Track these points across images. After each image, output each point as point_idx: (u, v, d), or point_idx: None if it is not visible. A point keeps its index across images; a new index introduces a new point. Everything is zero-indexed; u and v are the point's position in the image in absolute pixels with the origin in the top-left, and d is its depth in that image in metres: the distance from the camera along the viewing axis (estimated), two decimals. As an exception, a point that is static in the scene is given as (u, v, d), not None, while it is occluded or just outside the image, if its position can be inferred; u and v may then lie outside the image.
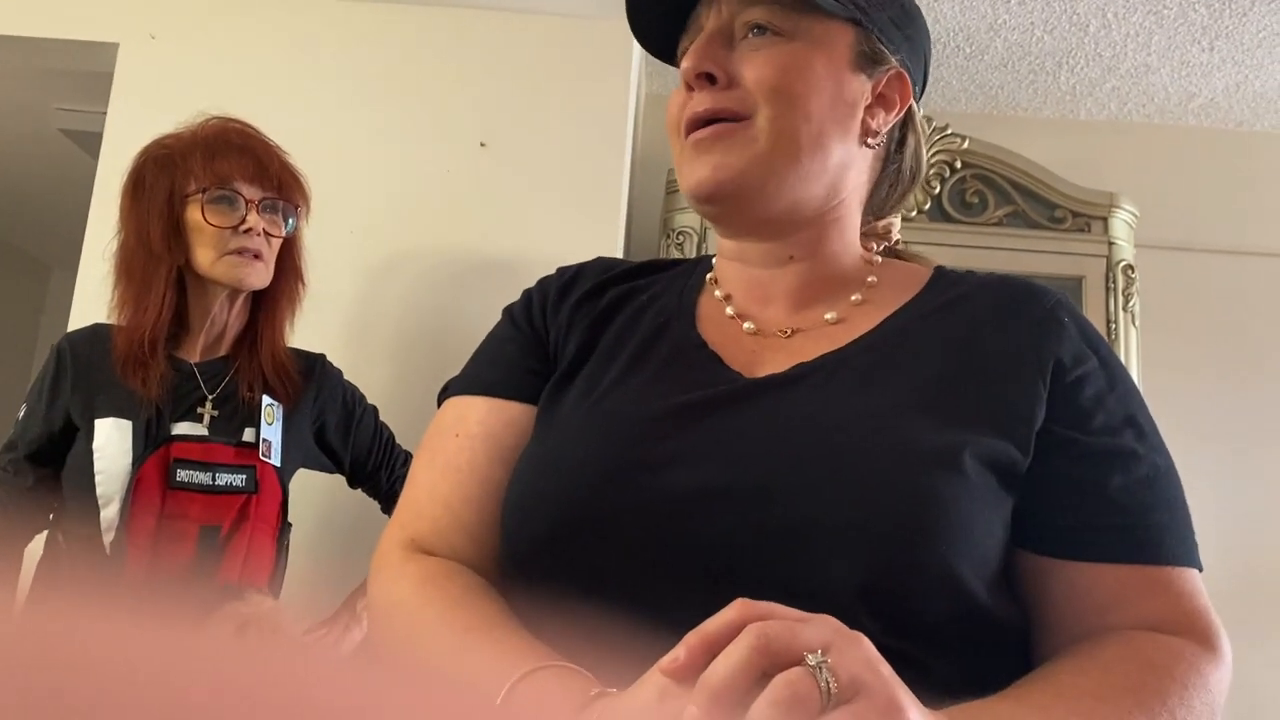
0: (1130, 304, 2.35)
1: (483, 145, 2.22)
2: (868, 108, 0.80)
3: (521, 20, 2.25)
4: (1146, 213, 2.50)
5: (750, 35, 0.77)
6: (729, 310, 0.81)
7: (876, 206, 0.87)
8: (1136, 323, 2.37)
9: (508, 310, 0.89)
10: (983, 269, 0.86)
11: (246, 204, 1.47)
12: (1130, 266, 2.38)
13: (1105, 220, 2.41)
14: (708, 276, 0.86)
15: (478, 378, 0.83)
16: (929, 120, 2.44)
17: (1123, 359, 2.28)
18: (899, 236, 0.91)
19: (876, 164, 0.84)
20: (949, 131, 2.43)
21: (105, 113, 2.21)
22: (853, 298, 0.80)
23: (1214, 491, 2.57)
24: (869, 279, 0.81)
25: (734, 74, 0.76)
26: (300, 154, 1.60)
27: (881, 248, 0.87)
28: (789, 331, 0.78)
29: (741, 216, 0.79)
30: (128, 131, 1.87)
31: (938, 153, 2.42)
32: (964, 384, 0.71)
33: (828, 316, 0.79)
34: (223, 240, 1.45)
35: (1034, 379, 0.71)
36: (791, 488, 0.64)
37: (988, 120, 2.85)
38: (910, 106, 0.84)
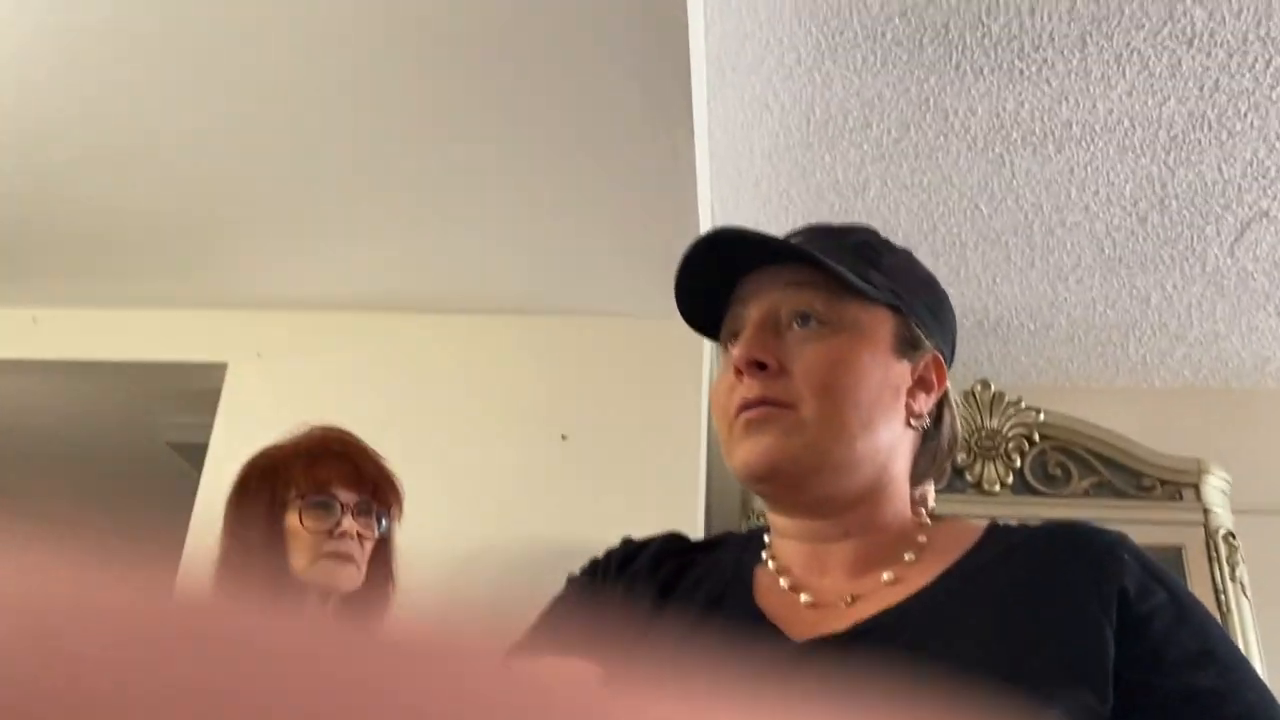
0: (1237, 573, 2.25)
1: (564, 438, 2.29)
2: (909, 390, 0.82)
3: (599, 322, 2.39)
4: (1239, 477, 2.44)
5: (795, 325, 0.80)
6: (783, 583, 0.81)
7: (915, 477, 0.88)
8: (1248, 593, 2.25)
9: (569, 578, 0.90)
10: (1074, 543, 0.84)
11: (342, 508, 1.52)
12: (1231, 534, 2.30)
13: (1196, 487, 2.36)
14: (763, 553, 0.86)
15: (533, 643, 0.81)
16: (1001, 396, 2.47)
17: (1237, 633, 2.15)
18: (934, 504, 0.91)
19: (917, 440, 0.86)
20: (1023, 406, 2.45)
21: (211, 425, 2.35)
22: (906, 557, 0.79)
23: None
24: (920, 538, 0.81)
25: (784, 361, 0.79)
26: (393, 456, 1.67)
27: (924, 515, 0.87)
28: (850, 599, 0.77)
29: (794, 496, 0.80)
30: (232, 444, 1.98)
31: (1014, 427, 2.43)
32: (1030, 634, 0.68)
33: (885, 578, 0.78)
34: (318, 544, 1.49)
35: (1099, 617, 0.68)
36: None
37: (1061, 392, 2.87)
38: (946, 386, 0.87)
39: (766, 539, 0.88)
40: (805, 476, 0.78)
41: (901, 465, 0.83)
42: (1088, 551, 0.73)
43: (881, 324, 0.82)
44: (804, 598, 0.79)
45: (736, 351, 0.80)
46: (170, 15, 1.56)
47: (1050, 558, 0.74)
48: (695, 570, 0.85)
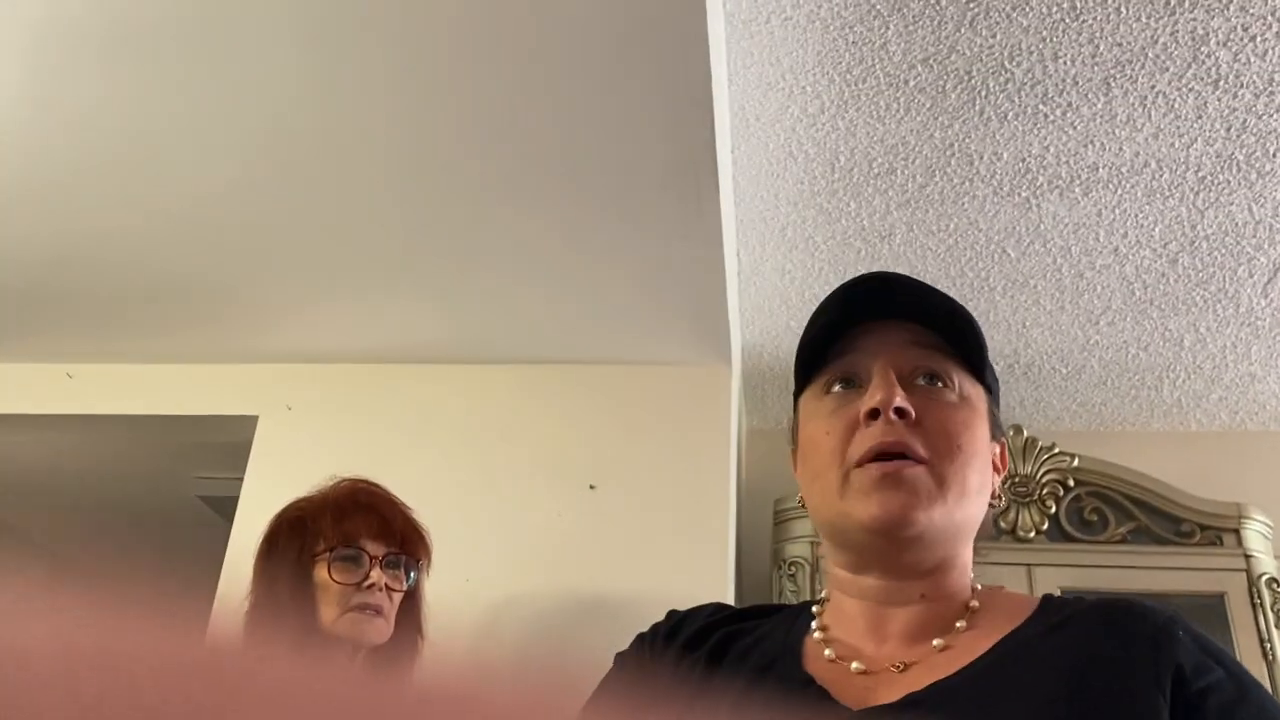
0: (1282, 620, 2.20)
1: (592, 488, 2.28)
2: (991, 468, 0.85)
3: (626, 371, 2.39)
4: (1280, 522, 2.39)
5: (922, 381, 0.82)
6: (828, 653, 0.80)
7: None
8: (1293, 640, 2.20)
9: (618, 655, 0.89)
10: (1112, 589, 0.85)
11: (370, 560, 1.52)
12: (1275, 580, 2.25)
13: (1237, 532, 2.31)
14: (813, 624, 0.85)
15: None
16: (1035, 441, 2.44)
17: (1285, 682, 2.09)
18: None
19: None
20: (1056, 451, 2.42)
21: (241, 478, 2.36)
22: (958, 624, 0.79)
23: None
24: (971, 604, 0.81)
25: (918, 414, 0.79)
26: (421, 507, 1.67)
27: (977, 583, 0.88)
28: (902, 666, 0.77)
29: (904, 555, 0.79)
30: (262, 496, 1.99)
31: (1048, 473, 2.40)
32: (1083, 708, 0.67)
33: (935, 643, 0.78)
34: (346, 597, 1.49)
35: (1153, 694, 0.67)
36: None
37: (1095, 437, 2.84)
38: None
39: (815, 609, 0.87)
40: (928, 537, 0.78)
41: (972, 540, 0.85)
42: (1143, 627, 0.72)
43: (983, 402, 0.84)
44: (855, 665, 0.79)
45: (879, 396, 0.79)
46: (202, 69, 1.59)
47: (1104, 633, 0.73)
48: (745, 639, 0.84)
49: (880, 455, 0.78)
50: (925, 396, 0.81)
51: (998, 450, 0.87)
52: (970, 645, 0.76)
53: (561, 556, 2.21)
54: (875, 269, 1.90)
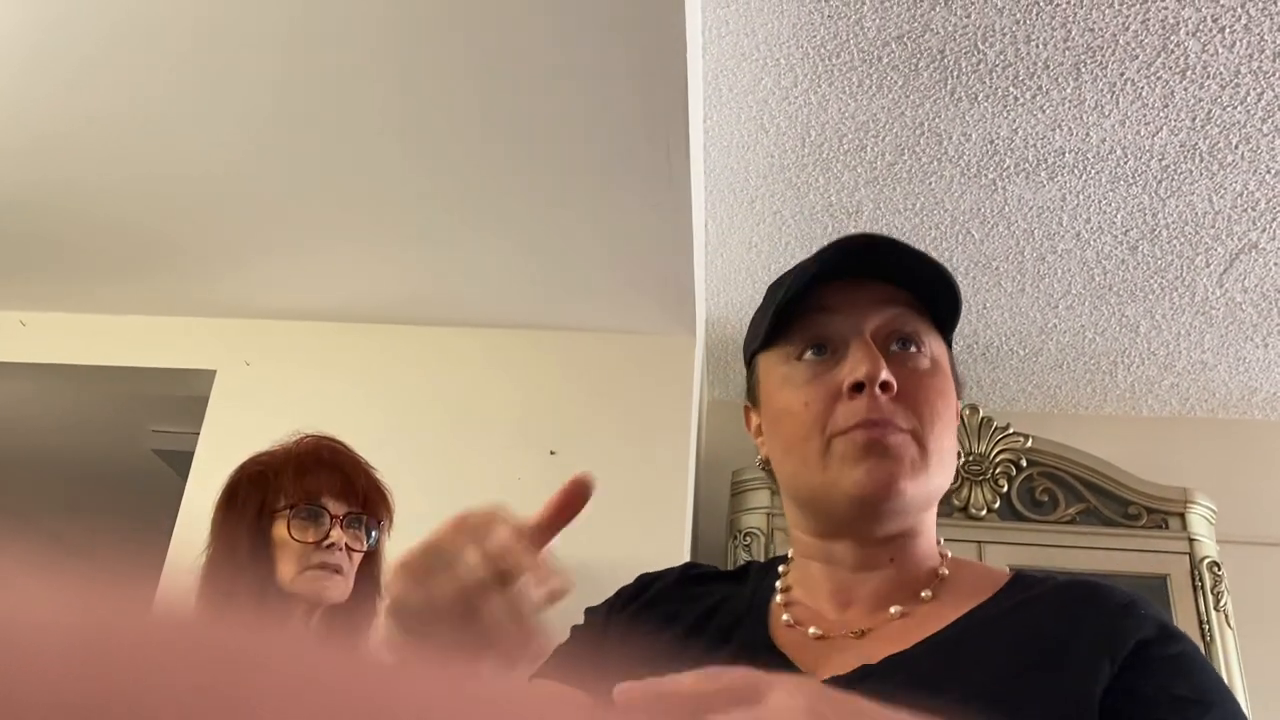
0: (1222, 603, 2.25)
1: (552, 453, 2.28)
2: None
3: (590, 338, 2.39)
4: (1224, 507, 2.45)
5: (895, 346, 0.80)
6: (785, 618, 0.81)
7: None
8: (1231, 622, 2.26)
9: (573, 627, 0.89)
10: (1060, 567, 0.85)
11: (331, 519, 1.51)
12: (1216, 563, 2.31)
13: (1183, 516, 2.36)
14: (778, 583, 0.86)
15: (539, 676, 0.81)
16: (990, 421, 2.48)
17: (1221, 662, 2.15)
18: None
19: None
20: (1011, 431, 2.46)
21: (197, 433, 2.34)
22: (923, 594, 0.79)
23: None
24: (941, 571, 0.81)
25: (900, 385, 0.77)
26: (380, 468, 1.66)
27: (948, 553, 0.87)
28: (860, 632, 0.77)
29: (884, 524, 0.79)
30: (218, 452, 1.97)
31: (1002, 452, 2.43)
32: (1031, 681, 0.68)
33: (892, 610, 0.78)
34: (305, 555, 1.48)
35: (1101, 663, 0.68)
36: None
37: (1049, 419, 2.88)
38: None
39: (781, 569, 0.87)
40: (911, 507, 0.78)
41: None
42: (1104, 608, 0.72)
43: (947, 361, 0.83)
44: (812, 630, 0.78)
45: (865, 369, 0.77)
46: (170, 32, 1.56)
47: (1064, 614, 0.73)
48: (710, 600, 0.84)
49: (871, 425, 0.77)
50: (901, 364, 0.79)
51: (959, 405, 0.87)
52: (932, 617, 0.76)
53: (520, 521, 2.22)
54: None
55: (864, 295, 0.81)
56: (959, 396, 0.85)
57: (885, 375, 0.77)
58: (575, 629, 0.88)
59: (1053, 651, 0.70)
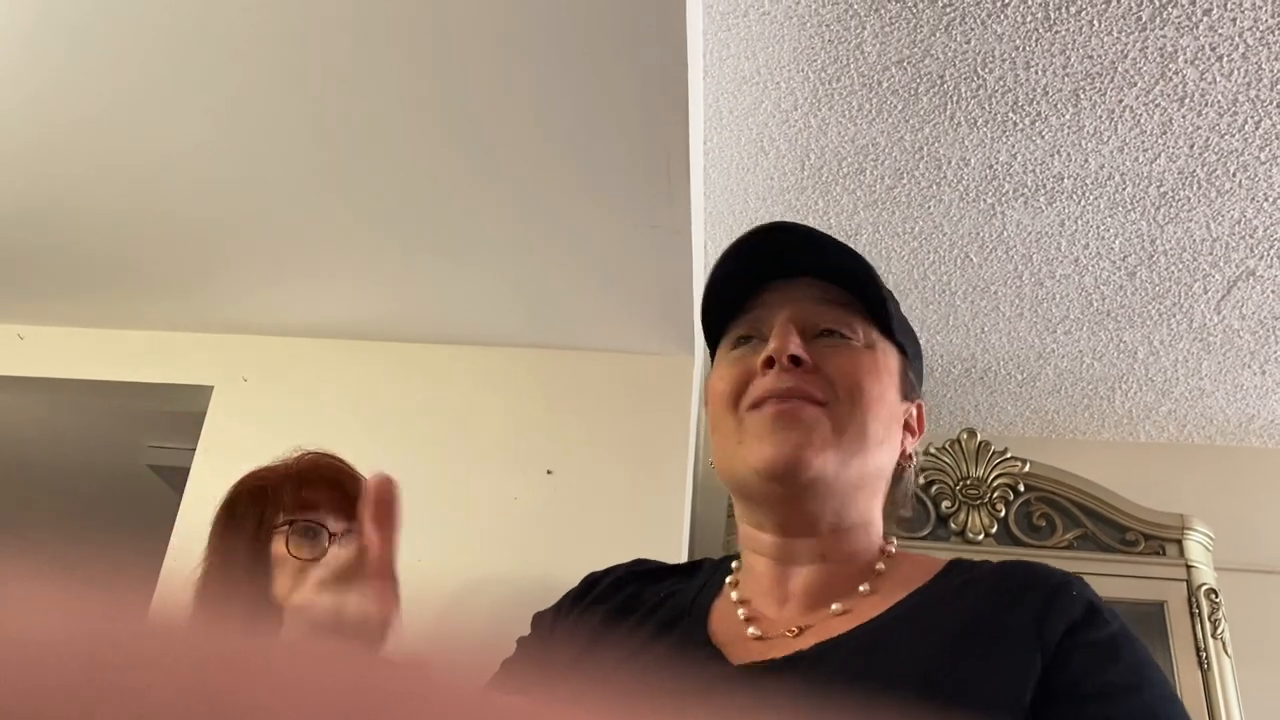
0: (1219, 630, 2.25)
1: (549, 473, 2.28)
2: (904, 428, 0.84)
3: (588, 357, 2.39)
4: (1222, 534, 2.44)
5: (821, 336, 0.82)
6: (740, 613, 0.80)
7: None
8: (1229, 650, 2.25)
9: (519, 638, 0.90)
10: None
11: (330, 535, 1.51)
12: (1213, 590, 2.30)
13: (1180, 543, 2.36)
14: (728, 579, 0.85)
15: (492, 684, 0.82)
16: (987, 445, 2.48)
17: (1219, 691, 2.14)
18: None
19: (891, 482, 0.87)
20: (1008, 455, 2.45)
21: (193, 449, 2.33)
22: (860, 588, 0.79)
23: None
24: (878, 566, 0.81)
25: (817, 361, 0.79)
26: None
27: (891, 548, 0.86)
28: (797, 630, 0.77)
29: (800, 505, 0.78)
30: (214, 468, 1.97)
31: (999, 477, 2.43)
32: (961, 668, 0.67)
33: (834, 608, 0.77)
34: (303, 571, 1.48)
35: (1032, 649, 0.67)
36: None
37: (1046, 444, 2.88)
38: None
39: (734, 565, 0.87)
40: (823, 481, 0.77)
41: (880, 501, 0.84)
42: (1037, 587, 0.72)
43: (894, 359, 0.84)
44: (751, 631, 0.78)
45: (773, 344, 0.79)
46: (164, 41, 1.57)
47: (998, 595, 0.72)
48: (656, 593, 0.85)
49: (778, 398, 0.78)
50: (826, 347, 0.81)
51: (914, 412, 0.86)
52: (867, 609, 0.76)
53: (516, 541, 2.21)
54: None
55: (800, 292, 0.83)
56: (908, 398, 0.85)
57: (795, 350, 0.78)
58: (520, 640, 0.89)
59: (984, 636, 0.69)
